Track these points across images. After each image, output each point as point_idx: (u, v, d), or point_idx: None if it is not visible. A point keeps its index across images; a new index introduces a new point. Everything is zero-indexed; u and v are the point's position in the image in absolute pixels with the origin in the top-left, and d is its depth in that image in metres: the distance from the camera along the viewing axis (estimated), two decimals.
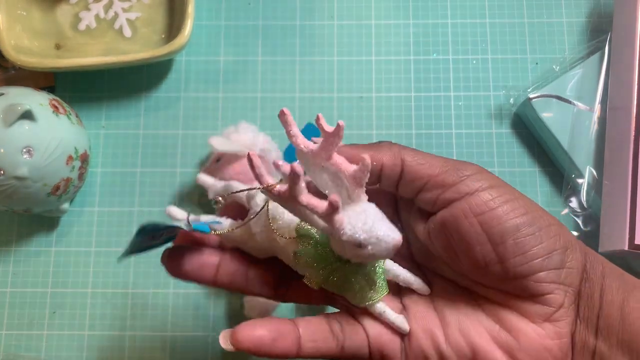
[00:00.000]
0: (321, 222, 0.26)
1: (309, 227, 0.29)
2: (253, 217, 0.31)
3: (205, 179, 0.39)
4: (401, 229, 0.29)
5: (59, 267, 0.48)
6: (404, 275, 0.30)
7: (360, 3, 0.53)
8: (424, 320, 0.29)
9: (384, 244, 0.26)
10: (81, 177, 0.46)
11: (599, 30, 0.51)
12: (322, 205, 0.25)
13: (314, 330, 0.28)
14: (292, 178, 0.25)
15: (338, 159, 0.27)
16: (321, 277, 0.29)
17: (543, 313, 0.27)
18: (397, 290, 0.31)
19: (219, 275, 0.30)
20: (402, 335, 0.29)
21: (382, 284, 0.29)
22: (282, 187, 0.26)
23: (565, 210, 0.48)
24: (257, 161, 0.26)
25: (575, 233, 0.48)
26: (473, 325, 0.28)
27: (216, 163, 0.46)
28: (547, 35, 0.52)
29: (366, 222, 0.26)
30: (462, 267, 0.28)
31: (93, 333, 0.47)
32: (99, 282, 0.48)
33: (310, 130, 0.50)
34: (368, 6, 0.53)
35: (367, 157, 0.26)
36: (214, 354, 0.47)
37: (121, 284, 0.48)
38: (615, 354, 0.26)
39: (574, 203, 0.48)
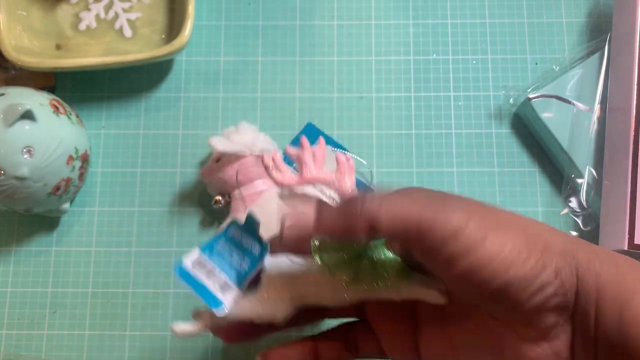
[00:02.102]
0: (332, 200, 0.27)
1: (320, 240, 0.29)
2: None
3: (218, 141, 0.37)
4: None
5: (59, 267, 0.48)
6: (420, 280, 0.29)
7: (360, 3, 0.53)
8: (435, 347, 0.29)
9: None
10: (81, 177, 0.46)
11: (599, 31, 0.52)
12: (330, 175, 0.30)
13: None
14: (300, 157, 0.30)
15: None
16: (351, 269, 0.28)
17: (538, 332, 0.26)
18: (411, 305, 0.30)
19: None
20: None
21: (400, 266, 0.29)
22: (290, 178, 0.30)
23: (565, 210, 0.48)
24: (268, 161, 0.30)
25: (574, 233, 0.48)
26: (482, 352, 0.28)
27: (216, 163, 0.46)
28: (546, 36, 0.53)
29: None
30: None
31: (93, 333, 0.47)
32: (99, 282, 0.48)
33: (310, 130, 0.50)
34: (368, 6, 0.53)
35: (339, 156, 0.30)
36: (214, 354, 0.47)
37: (121, 284, 0.48)
38: None
39: (573, 203, 0.48)
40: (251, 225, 0.33)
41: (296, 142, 0.50)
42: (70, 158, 0.44)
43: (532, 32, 0.53)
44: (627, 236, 0.42)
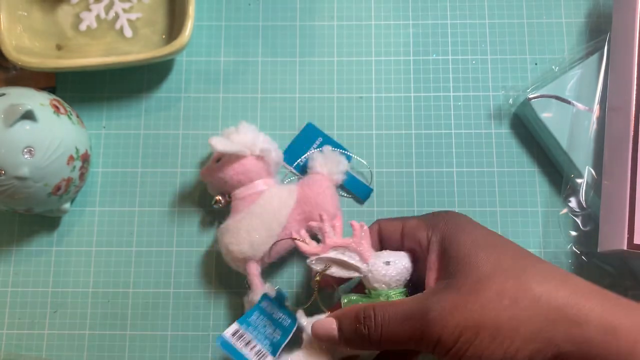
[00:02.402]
0: (354, 261, 0.38)
1: (349, 296, 0.38)
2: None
3: (218, 141, 0.43)
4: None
5: (59, 267, 0.48)
6: None
7: (360, 3, 0.54)
8: None
9: (402, 262, 0.38)
10: (82, 177, 0.46)
11: (598, 31, 0.52)
12: (349, 240, 0.39)
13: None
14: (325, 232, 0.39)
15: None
16: None
17: None
18: None
19: None
20: None
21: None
22: (315, 247, 0.40)
23: (565, 210, 0.48)
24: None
25: (574, 233, 0.48)
26: None
27: (216, 163, 0.46)
28: (546, 36, 0.53)
29: (383, 253, 0.39)
30: None
31: (94, 332, 0.47)
32: (99, 282, 0.48)
33: (310, 131, 0.50)
34: (368, 7, 0.53)
35: (354, 223, 0.39)
36: (214, 354, 0.47)
37: (122, 284, 0.48)
38: None
39: (573, 203, 0.48)
40: (280, 299, 0.41)
41: (296, 142, 0.50)
42: (71, 158, 0.44)
43: (531, 33, 0.53)
44: (626, 236, 0.42)
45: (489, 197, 0.49)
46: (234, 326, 0.41)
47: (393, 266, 0.38)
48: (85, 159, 0.46)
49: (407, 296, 0.37)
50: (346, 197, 0.50)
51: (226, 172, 0.45)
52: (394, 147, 0.51)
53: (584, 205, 0.47)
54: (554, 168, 0.50)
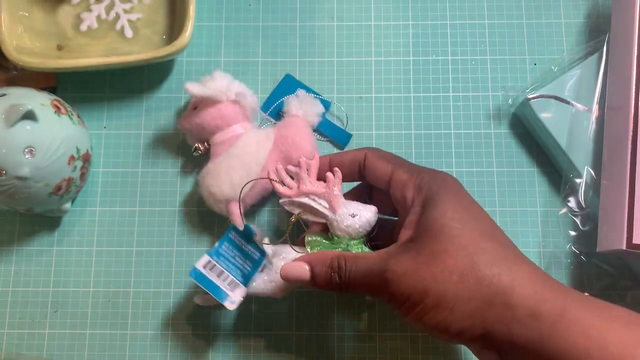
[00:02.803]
0: (323, 208, 0.40)
1: (313, 236, 0.41)
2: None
3: (194, 86, 0.45)
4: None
5: (60, 267, 0.49)
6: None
7: (360, 4, 0.54)
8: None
9: (366, 217, 0.40)
10: (83, 177, 0.47)
11: (598, 31, 0.52)
12: (322, 188, 0.41)
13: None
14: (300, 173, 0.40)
15: (307, 189, 0.41)
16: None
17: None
18: None
19: None
20: None
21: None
22: (290, 191, 0.41)
23: (564, 210, 0.48)
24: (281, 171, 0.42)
25: (573, 233, 0.48)
26: None
27: (194, 110, 0.47)
28: (545, 36, 0.53)
29: (352, 204, 0.41)
30: None
31: (94, 332, 0.47)
32: (100, 282, 0.48)
33: (289, 82, 0.51)
34: (368, 7, 0.54)
35: (329, 174, 0.40)
36: (214, 353, 0.47)
37: (122, 284, 0.48)
38: None
39: (572, 203, 0.48)
40: (249, 235, 0.42)
41: (275, 93, 0.51)
42: (72, 158, 0.44)
43: (531, 33, 0.53)
44: (625, 235, 0.42)
45: (489, 197, 0.50)
46: (205, 257, 0.42)
47: (358, 219, 0.40)
48: (86, 159, 0.46)
49: (364, 246, 0.41)
50: (324, 140, 0.51)
51: (203, 118, 0.46)
52: (393, 147, 0.51)
53: (583, 205, 0.47)
54: (553, 168, 0.50)
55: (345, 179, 0.42)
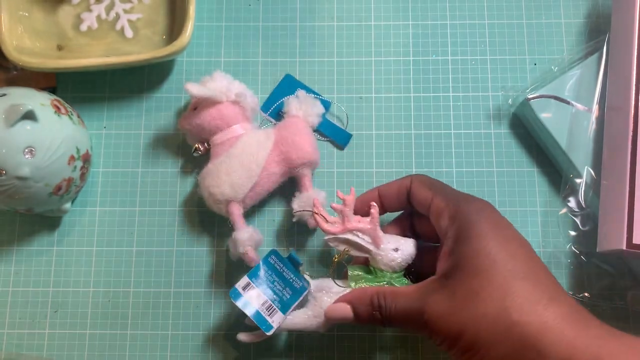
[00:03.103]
0: (367, 243, 0.41)
1: (355, 270, 0.42)
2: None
3: (194, 86, 0.45)
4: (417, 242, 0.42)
5: (60, 267, 0.49)
6: None
7: (360, 4, 0.54)
8: None
9: (408, 251, 0.41)
10: (83, 177, 0.47)
11: (598, 31, 0.52)
12: (367, 224, 0.40)
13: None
14: (343, 210, 0.40)
15: (352, 226, 0.41)
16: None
17: None
18: None
19: None
20: None
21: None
22: (334, 227, 0.41)
23: (564, 210, 0.48)
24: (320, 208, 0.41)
25: (573, 233, 0.48)
26: None
27: (194, 110, 0.47)
28: (545, 36, 0.53)
29: (393, 238, 0.42)
30: None
31: (94, 332, 0.47)
32: (100, 282, 0.48)
33: (289, 82, 0.52)
34: (368, 7, 0.54)
35: (373, 208, 0.40)
36: (214, 353, 0.47)
37: (122, 284, 0.48)
38: None
39: (572, 203, 0.48)
40: (294, 263, 0.43)
41: (275, 93, 0.51)
42: (72, 158, 0.44)
43: (531, 33, 0.53)
44: (625, 236, 0.42)
45: (489, 197, 0.50)
46: (245, 279, 0.42)
47: (400, 253, 0.41)
48: (86, 159, 0.46)
49: (404, 279, 0.41)
50: (324, 140, 0.50)
51: (203, 118, 0.46)
52: (393, 147, 0.51)
53: (583, 205, 0.47)
54: (553, 168, 0.50)
55: (394, 208, 0.43)
